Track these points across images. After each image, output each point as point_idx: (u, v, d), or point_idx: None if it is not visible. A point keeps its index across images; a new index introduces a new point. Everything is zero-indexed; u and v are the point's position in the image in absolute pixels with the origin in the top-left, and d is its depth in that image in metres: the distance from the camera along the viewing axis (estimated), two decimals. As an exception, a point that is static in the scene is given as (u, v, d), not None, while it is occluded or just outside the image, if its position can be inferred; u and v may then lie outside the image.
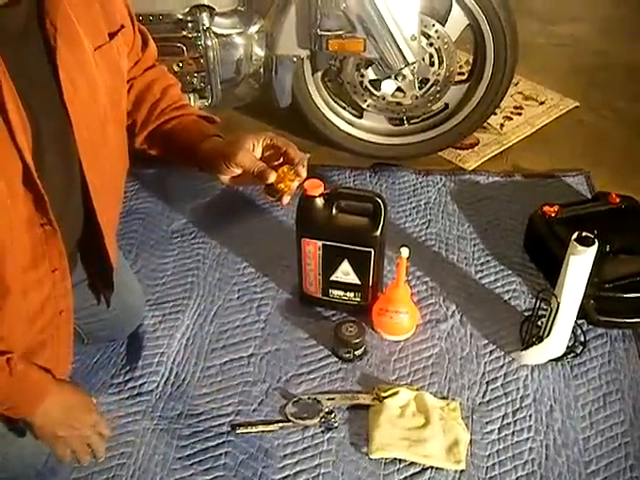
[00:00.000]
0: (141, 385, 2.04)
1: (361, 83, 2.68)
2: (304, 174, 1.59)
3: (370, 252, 2.04)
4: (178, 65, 2.40)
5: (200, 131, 1.63)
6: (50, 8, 1.27)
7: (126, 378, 2.05)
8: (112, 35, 1.45)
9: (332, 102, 2.81)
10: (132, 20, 1.55)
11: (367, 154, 2.88)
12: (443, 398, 1.98)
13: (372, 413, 1.93)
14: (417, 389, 1.99)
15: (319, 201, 2.04)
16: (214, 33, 2.33)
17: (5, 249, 1.29)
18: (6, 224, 1.27)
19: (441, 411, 1.92)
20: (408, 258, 2.02)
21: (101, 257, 1.69)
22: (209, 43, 2.33)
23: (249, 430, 1.91)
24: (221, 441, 1.89)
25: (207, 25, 2.31)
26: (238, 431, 1.91)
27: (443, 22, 2.57)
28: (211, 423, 1.94)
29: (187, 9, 2.30)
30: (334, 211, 2.05)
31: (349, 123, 2.85)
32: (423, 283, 2.33)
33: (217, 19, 2.32)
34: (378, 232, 2.01)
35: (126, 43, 1.53)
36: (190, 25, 2.31)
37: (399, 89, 2.64)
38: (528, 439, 1.89)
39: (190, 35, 2.33)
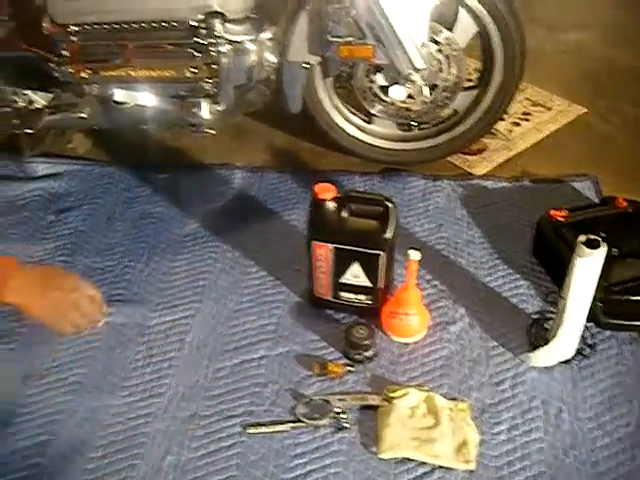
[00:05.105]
0: (153, 387, 2.06)
1: (370, 89, 2.71)
2: None
3: (381, 255, 2.06)
4: (190, 71, 2.43)
5: None
6: None
7: (138, 381, 2.08)
8: None
9: (342, 108, 2.83)
10: None
11: (376, 159, 2.90)
12: (452, 399, 1.99)
13: (382, 414, 1.95)
14: (427, 390, 2.01)
15: (330, 204, 2.07)
16: (226, 40, 2.34)
17: None
18: None
19: (451, 412, 1.94)
20: (419, 261, 2.04)
21: None
22: (222, 49, 2.34)
23: (260, 430, 1.93)
24: (233, 442, 1.92)
25: (220, 32, 2.33)
26: (249, 431, 1.93)
27: (453, 29, 2.59)
28: (223, 424, 1.96)
29: (200, 16, 2.32)
30: (345, 214, 2.07)
31: (359, 128, 2.86)
32: (433, 286, 2.35)
33: (229, 26, 2.33)
34: (389, 235, 2.03)
35: None
36: (203, 32, 2.34)
37: (409, 95, 2.66)
38: (537, 440, 1.90)
39: (202, 41, 2.35)
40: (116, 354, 2.16)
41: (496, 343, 2.16)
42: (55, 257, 2.51)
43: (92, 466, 1.88)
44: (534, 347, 2.11)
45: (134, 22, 2.38)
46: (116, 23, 2.39)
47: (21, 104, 2.63)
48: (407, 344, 2.16)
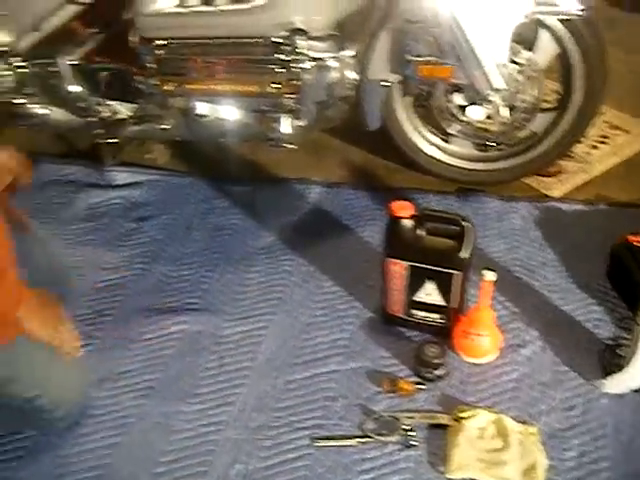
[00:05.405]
0: (224, 396, 2.10)
1: (448, 108, 2.71)
2: None
3: (456, 274, 2.07)
4: (271, 86, 2.46)
5: None
6: None
7: (209, 389, 2.12)
8: None
9: (420, 126, 2.83)
10: None
11: (453, 179, 2.89)
12: (522, 422, 1.97)
13: (451, 433, 1.94)
14: (496, 412, 2.00)
15: (407, 222, 2.08)
16: (309, 56, 2.37)
17: None
18: None
19: (520, 435, 1.92)
20: (496, 282, 2.05)
21: None
22: (304, 66, 2.37)
23: (329, 444, 1.95)
24: (301, 454, 1.94)
25: (302, 48, 2.35)
26: (318, 444, 1.95)
27: (533, 50, 2.58)
28: (292, 435, 1.98)
29: (282, 32, 2.35)
30: (421, 232, 2.08)
31: (436, 147, 2.86)
32: (505, 308, 2.33)
33: (312, 43, 2.36)
34: (465, 254, 2.04)
35: None
36: (285, 48, 2.37)
37: (487, 116, 2.65)
38: (606, 468, 1.88)
39: (285, 58, 2.38)
40: (189, 361, 2.21)
41: (568, 368, 2.14)
42: (133, 264, 2.57)
43: (161, 470, 1.92)
44: (606, 373, 2.08)
45: (218, 37, 2.43)
46: (201, 38, 2.44)
47: (105, 114, 2.70)
48: (478, 364, 2.16)
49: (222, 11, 2.38)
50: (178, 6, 2.41)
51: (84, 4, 2.53)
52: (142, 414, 2.07)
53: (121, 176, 2.98)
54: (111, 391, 2.13)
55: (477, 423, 1.96)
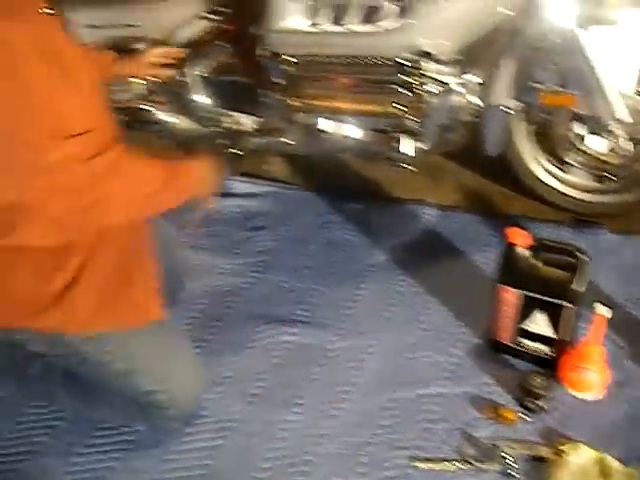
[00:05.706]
0: (327, 409, 2.13)
1: (569, 137, 2.68)
2: None
3: (568, 307, 2.05)
4: (394, 107, 2.49)
5: None
6: None
7: (313, 401, 2.16)
8: None
9: (539, 155, 2.81)
10: None
11: (568, 209, 2.85)
12: (625, 464, 1.92)
13: (553, 467, 1.91)
14: (598, 450, 1.96)
15: (523, 251, 2.08)
16: (433, 79, 2.39)
17: None
18: None
19: (624, 477, 1.88)
20: (612, 318, 2.02)
21: None
22: (429, 89, 2.39)
23: (427, 466, 1.95)
24: (399, 473, 1.95)
25: (427, 71, 2.37)
26: (416, 465, 1.95)
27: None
28: (390, 454, 1.99)
29: (408, 54, 2.38)
30: (536, 262, 2.08)
31: (553, 176, 2.83)
32: (614, 344, 2.28)
33: (437, 66, 2.38)
34: (579, 287, 2.03)
35: None
36: (410, 70, 2.39)
37: (608, 148, 2.61)
38: None
39: (409, 79, 2.41)
40: (295, 372, 2.25)
41: (676, 410, 2.10)
42: (246, 272, 2.64)
43: (260, 476, 1.97)
44: None
45: (345, 56, 2.47)
46: (327, 56, 2.49)
47: (229, 125, 2.77)
48: (583, 399, 2.13)
49: (353, 32, 2.43)
50: (310, 25, 2.46)
51: (214, 20, 2.61)
52: (246, 419, 2.12)
53: (239, 186, 3.05)
54: (217, 394, 2.18)
55: (579, 459, 1.92)
